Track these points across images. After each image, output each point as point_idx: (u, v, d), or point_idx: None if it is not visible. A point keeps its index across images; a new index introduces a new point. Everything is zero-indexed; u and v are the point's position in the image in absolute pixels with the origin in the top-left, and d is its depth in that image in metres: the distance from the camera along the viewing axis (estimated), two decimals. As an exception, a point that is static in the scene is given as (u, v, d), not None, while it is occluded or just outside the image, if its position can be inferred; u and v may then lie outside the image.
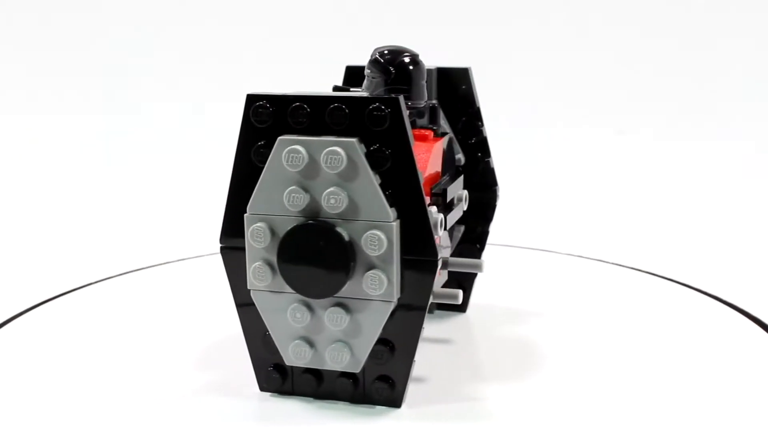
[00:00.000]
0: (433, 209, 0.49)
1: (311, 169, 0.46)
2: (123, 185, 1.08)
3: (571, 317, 0.64)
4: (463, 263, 0.57)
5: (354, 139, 0.45)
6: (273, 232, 0.47)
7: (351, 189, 0.46)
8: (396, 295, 0.47)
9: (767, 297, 0.68)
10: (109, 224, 0.92)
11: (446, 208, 0.53)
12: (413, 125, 0.54)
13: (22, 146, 1.19)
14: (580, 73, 1.24)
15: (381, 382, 0.49)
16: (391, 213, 0.46)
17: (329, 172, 0.46)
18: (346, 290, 0.47)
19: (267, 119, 0.47)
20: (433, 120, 0.57)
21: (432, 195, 0.52)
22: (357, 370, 0.49)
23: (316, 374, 0.50)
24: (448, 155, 0.56)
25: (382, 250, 0.46)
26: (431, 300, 0.49)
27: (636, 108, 1.21)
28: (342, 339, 0.48)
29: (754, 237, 0.87)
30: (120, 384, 0.53)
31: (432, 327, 0.62)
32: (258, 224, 0.47)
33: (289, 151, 0.46)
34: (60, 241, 0.86)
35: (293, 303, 0.48)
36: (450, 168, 0.56)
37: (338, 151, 0.45)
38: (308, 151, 0.46)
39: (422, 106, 0.55)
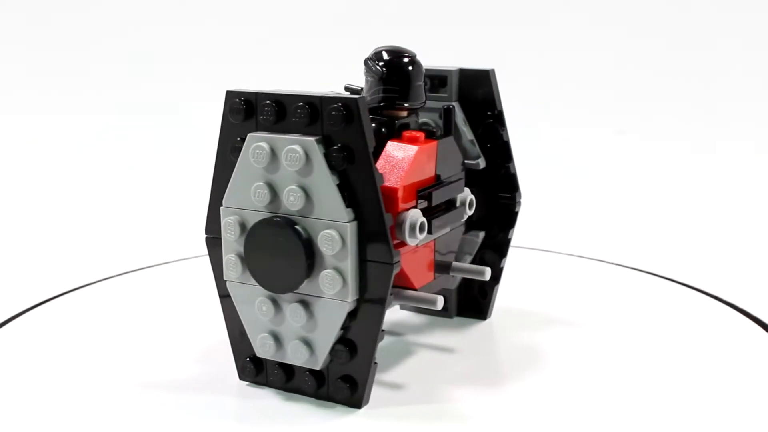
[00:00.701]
0: (413, 212, 0.49)
1: (274, 166, 0.47)
2: (123, 185, 1.08)
3: (571, 317, 0.64)
4: (466, 269, 0.57)
5: (312, 138, 0.46)
6: (243, 226, 0.49)
7: (309, 187, 0.47)
8: (352, 296, 0.47)
9: (767, 297, 0.68)
10: (108, 224, 0.92)
11: (435, 211, 0.52)
12: (407, 127, 0.53)
13: (21, 146, 1.19)
14: (580, 73, 1.24)
15: (343, 382, 0.49)
16: (347, 214, 0.46)
17: (289, 170, 0.47)
18: (307, 287, 0.48)
19: (241, 116, 0.49)
20: (446, 122, 0.57)
21: (418, 198, 0.51)
22: (317, 367, 0.49)
23: (287, 368, 0.51)
24: (448, 158, 0.54)
25: (336, 250, 0.46)
26: (418, 304, 0.50)
27: (636, 108, 1.21)
28: (303, 335, 0.49)
29: (754, 237, 0.87)
30: (120, 384, 0.53)
31: (435, 331, 0.62)
32: (230, 218, 0.49)
33: (254, 147, 0.47)
34: (60, 241, 0.86)
35: (260, 296, 0.49)
36: (453, 171, 0.55)
37: (297, 149, 0.46)
38: (271, 148, 0.47)
39: (418, 107, 0.54)
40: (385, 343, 0.59)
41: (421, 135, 0.52)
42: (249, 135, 0.48)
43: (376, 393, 0.51)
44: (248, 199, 0.48)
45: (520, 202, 0.61)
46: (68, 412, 0.49)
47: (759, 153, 1.13)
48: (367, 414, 0.49)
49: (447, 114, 0.57)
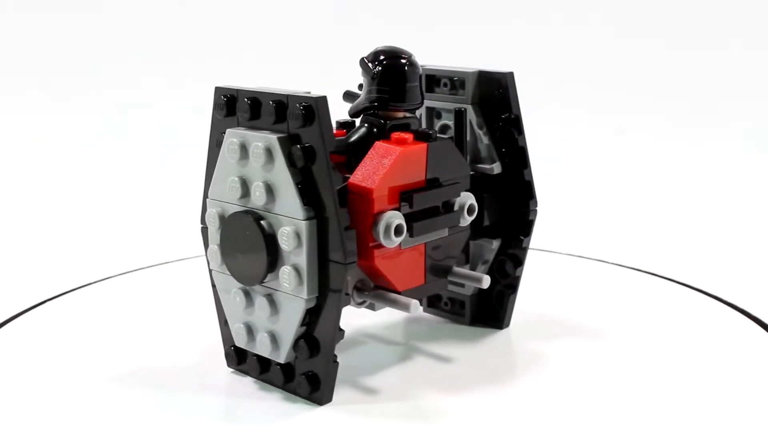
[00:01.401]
0: (390, 214, 0.49)
1: (244, 161, 0.49)
2: (123, 185, 1.08)
3: (571, 317, 0.64)
4: (464, 275, 0.56)
5: (275, 136, 0.47)
6: (222, 218, 0.50)
7: (273, 183, 0.48)
8: (308, 293, 0.47)
9: (767, 297, 0.68)
10: (108, 224, 0.92)
11: (420, 214, 0.51)
12: (401, 128, 0.52)
13: (24, 145, 1.19)
14: (580, 73, 1.24)
15: (306, 378, 0.50)
16: (304, 211, 0.47)
17: (255, 165, 0.48)
18: (272, 282, 0.49)
19: (224, 111, 0.50)
20: (457, 124, 0.56)
21: (401, 200, 0.50)
22: (280, 360, 0.50)
23: (261, 359, 0.52)
24: (444, 161, 0.53)
25: (293, 247, 0.47)
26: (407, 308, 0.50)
27: (636, 108, 1.21)
28: (269, 328, 0.50)
29: (754, 237, 0.87)
30: (120, 384, 0.53)
31: (443, 337, 0.62)
32: (212, 209, 0.51)
33: (230, 142, 0.49)
34: (60, 241, 0.86)
35: (235, 287, 0.51)
36: (450, 174, 0.53)
37: (260, 146, 0.47)
38: (242, 144, 0.49)
39: (413, 108, 0.53)
40: (385, 347, 0.59)
41: (409, 137, 0.51)
42: (227, 130, 0.50)
43: (353, 393, 0.51)
44: (225, 192, 0.50)
45: (535, 210, 0.59)
46: (68, 412, 0.49)
47: (759, 153, 1.13)
48: (336, 409, 0.50)
49: (458, 117, 0.56)
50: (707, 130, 1.18)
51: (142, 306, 0.67)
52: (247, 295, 0.50)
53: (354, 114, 0.54)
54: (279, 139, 0.47)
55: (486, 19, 1.28)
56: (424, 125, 0.60)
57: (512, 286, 0.61)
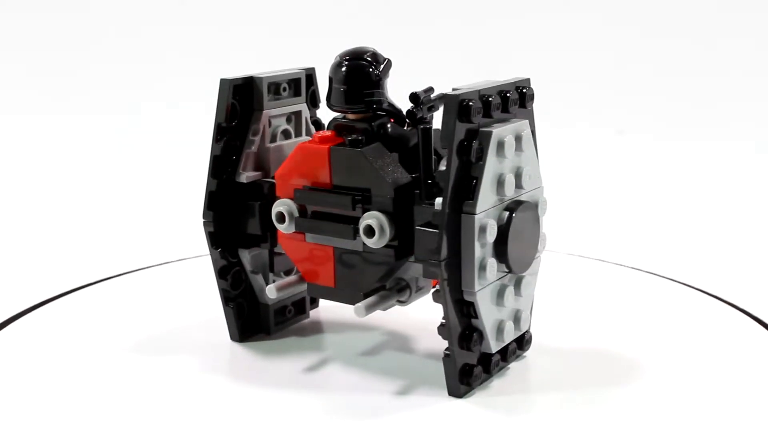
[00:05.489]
0: (279, 201, 0.53)
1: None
2: (123, 185, 1.08)
3: (571, 317, 0.64)
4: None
5: None
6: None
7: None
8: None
9: (767, 297, 0.68)
10: (108, 224, 0.92)
11: (312, 213, 0.53)
12: (341, 128, 0.53)
13: (21, 146, 1.19)
14: (580, 73, 1.24)
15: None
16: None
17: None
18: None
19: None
20: (423, 141, 0.51)
21: (294, 193, 0.53)
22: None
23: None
24: (350, 169, 0.51)
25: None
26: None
27: (636, 108, 1.21)
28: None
29: (754, 237, 0.87)
30: (120, 385, 0.53)
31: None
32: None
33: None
34: (60, 241, 0.86)
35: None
36: (355, 184, 0.51)
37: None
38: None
39: (347, 110, 0.53)
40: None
41: (328, 136, 0.52)
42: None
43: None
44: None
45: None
46: (68, 413, 0.49)
47: (759, 153, 1.13)
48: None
49: (422, 133, 0.50)
50: (707, 130, 1.18)
51: (142, 306, 0.67)
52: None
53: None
54: None
55: (486, 19, 1.28)
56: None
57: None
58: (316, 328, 0.62)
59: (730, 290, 0.69)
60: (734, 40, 1.22)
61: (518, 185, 0.51)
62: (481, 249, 0.48)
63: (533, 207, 0.52)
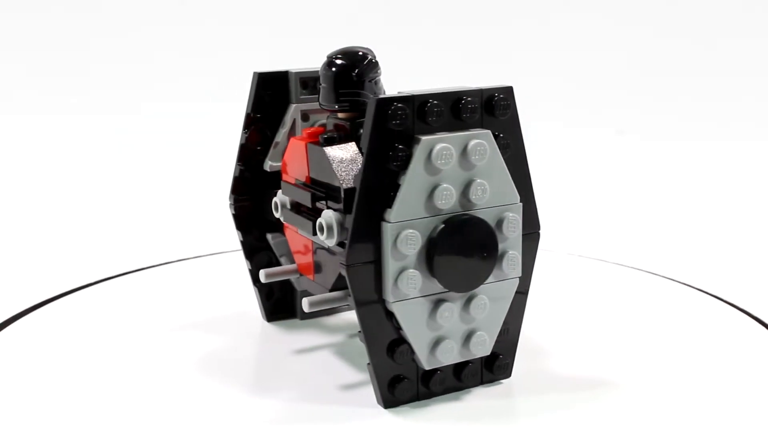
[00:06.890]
0: (279, 191, 0.55)
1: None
2: (123, 185, 1.08)
3: (571, 317, 0.64)
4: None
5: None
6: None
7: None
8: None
9: (767, 297, 0.68)
10: (109, 224, 0.92)
11: (292, 204, 0.55)
12: (322, 125, 0.55)
13: (21, 146, 1.19)
14: (580, 73, 1.24)
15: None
16: None
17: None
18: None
19: None
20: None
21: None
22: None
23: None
24: (319, 164, 0.52)
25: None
26: None
27: (636, 108, 1.21)
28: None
29: (754, 237, 0.87)
30: (121, 385, 0.53)
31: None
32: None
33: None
34: (60, 242, 0.86)
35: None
36: (322, 179, 0.52)
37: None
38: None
39: (326, 109, 0.53)
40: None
41: (314, 132, 0.53)
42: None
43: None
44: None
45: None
46: (68, 413, 0.49)
47: (759, 153, 1.13)
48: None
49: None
50: (707, 130, 1.18)
51: (142, 306, 0.67)
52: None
53: None
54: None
55: (486, 19, 1.28)
56: None
57: None
58: (349, 318, 0.63)
59: (730, 290, 0.69)
60: (734, 40, 1.23)
61: (466, 199, 0.48)
62: (398, 260, 0.46)
63: (484, 224, 0.48)
